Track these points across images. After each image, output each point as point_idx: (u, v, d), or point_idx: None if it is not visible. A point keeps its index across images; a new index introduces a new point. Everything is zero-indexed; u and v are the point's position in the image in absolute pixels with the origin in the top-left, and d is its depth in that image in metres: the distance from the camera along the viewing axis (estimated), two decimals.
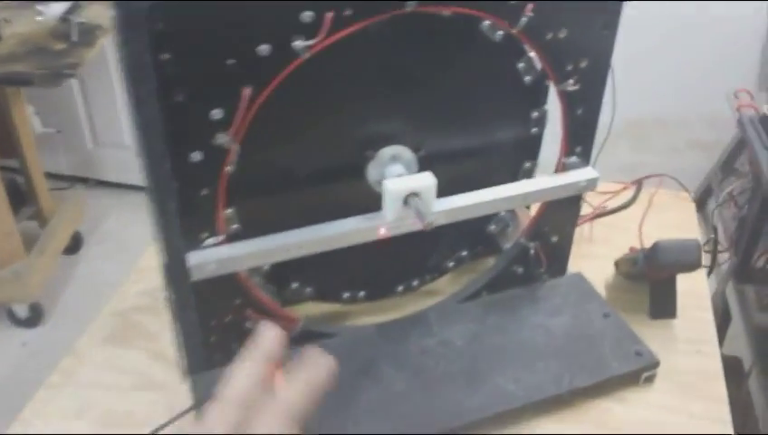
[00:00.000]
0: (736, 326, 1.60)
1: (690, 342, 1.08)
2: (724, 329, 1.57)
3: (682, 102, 2.62)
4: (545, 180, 0.98)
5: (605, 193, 1.34)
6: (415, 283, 1.09)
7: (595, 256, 1.23)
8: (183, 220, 0.79)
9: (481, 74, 0.93)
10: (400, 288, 1.09)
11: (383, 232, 0.91)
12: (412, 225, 0.90)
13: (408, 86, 0.89)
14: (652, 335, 1.08)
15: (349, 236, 0.89)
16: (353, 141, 0.90)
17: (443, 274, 1.11)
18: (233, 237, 0.87)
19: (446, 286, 1.13)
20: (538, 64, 0.92)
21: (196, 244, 0.83)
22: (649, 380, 1.00)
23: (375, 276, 1.05)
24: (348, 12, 0.74)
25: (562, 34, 0.86)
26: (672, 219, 1.33)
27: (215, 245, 0.85)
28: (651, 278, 1.09)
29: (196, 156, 0.77)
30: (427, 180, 0.88)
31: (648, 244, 1.23)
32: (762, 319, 1.46)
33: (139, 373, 1.01)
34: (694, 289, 1.14)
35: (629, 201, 1.37)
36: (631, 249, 1.18)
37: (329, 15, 0.73)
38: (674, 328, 1.11)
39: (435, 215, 0.90)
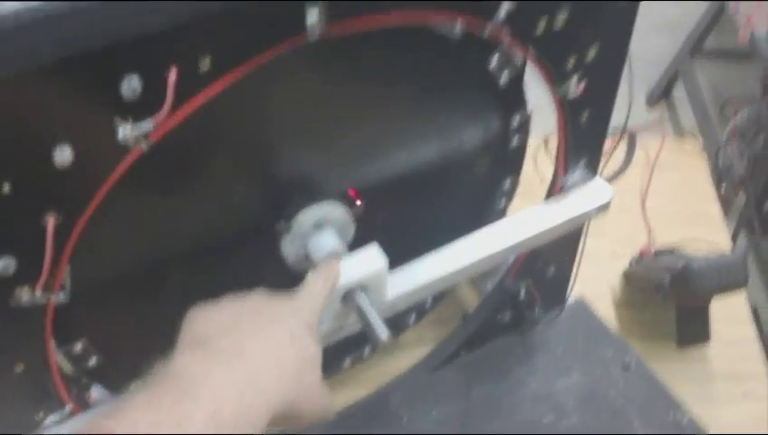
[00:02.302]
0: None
1: (734, 378, 0.83)
2: None
3: None
4: (543, 216, 0.68)
5: None
6: (367, 351, 0.80)
7: (591, 257, 0.94)
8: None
9: (433, 85, 0.60)
10: (347, 362, 0.79)
11: None
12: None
13: (325, 120, 0.57)
14: (683, 374, 0.83)
15: None
16: (252, 215, 0.59)
17: (402, 331, 0.82)
18: (90, 375, 0.58)
19: (410, 333, 0.85)
20: (516, 57, 0.60)
21: (30, 429, 0.53)
22: None
23: None
24: (205, 65, 0.41)
25: (560, 19, 0.54)
26: (681, 184, 1.05)
27: (60, 421, 0.54)
28: (679, 303, 0.82)
29: None
30: (374, 263, 0.57)
31: (658, 227, 0.96)
32: None
33: None
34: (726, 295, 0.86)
35: (623, 165, 1.08)
36: (642, 252, 0.90)
37: (172, 78, 0.40)
38: (709, 358, 0.85)
39: (392, 306, 0.61)
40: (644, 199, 1.02)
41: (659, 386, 0.77)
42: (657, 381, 0.77)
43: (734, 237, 1.25)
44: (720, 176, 1.29)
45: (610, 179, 1.04)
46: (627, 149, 1.10)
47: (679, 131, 2.14)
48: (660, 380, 0.77)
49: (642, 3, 2.03)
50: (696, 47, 2.04)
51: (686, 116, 2.11)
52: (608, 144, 1.09)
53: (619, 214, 1.00)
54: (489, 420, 0.74)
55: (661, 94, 2.28)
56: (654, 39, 2.33)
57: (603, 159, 1.05)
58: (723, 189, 1.27)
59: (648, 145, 1.10)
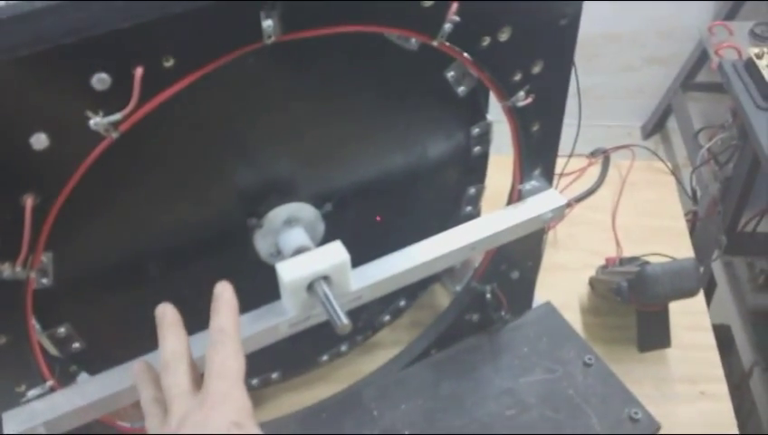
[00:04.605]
0: (722, 293, 1.41)
1: (691, 380, 0.87)
2: (709, 298, 1.38)
3: (635, 15, 2.32)
4: (499, 219, 0.73)
5: (565, 175, 1.10)
6: (343, 348, 0.86)
7: (562, 268, 1.00)
8: None
9: (396, 92, 0.67)
10: (325, 357, 0.85)
11: (285, 331, 0.66)
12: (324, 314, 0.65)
13: (294, 124, 0.63)
14: (643, 375, 0.88)
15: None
16: (225, 210, 0.65)
17: (378, 330, 0.88)
18: (73, 359, 0.63)
19: (387, 335, 0.90)
20: (474, 70, 0.66)
21: (12, 401, 0.59)
22: None
23: (290, 351, 0.80)
24: (169, 63, 0.47)
25: (503, 36, 0.61)
26: (650, 201, 1.11)
27: (41, 395, 0.60)
28: (639, 307, 0.87)
29: None
30: (336, 256, 0.63)
31: (627, 241, 1.02)
32: (759, 303, 1.26)
33: None
34: (688, 305, 0.91)
35: (597, 183, 1.14)
36: (608, 261, 0.96)
37: (138, 74, 0.46)
38: (669, 361, 0.90)
39: (354, 298, 0.66)
40: (614, 215, 1.07)
41: (617, 383, 0.81)
42: (615, 379, 0.82)
43: (706, 256, 1.30)
44: (695, 197, 1.34)
45: (585, 196, 1.11)
46: (601, 168, 1.16)
47: (673, 161, 2.20)
48: (618, 378, 0.82)
49: (639, 39, 2.10)
50: (686, 81, 2.10)
51: (680, 146, 2.17)
52: (583, 163, 1.15)
53: (592, 228, 1.07)
54: (454, 414, 0.79)
55: (655, 127, 2.34)
56: (650, 73, 2.40)
57: (577, 177, 1.12)
58: (699, 211, 1.32)
59: (621, 165, 1.16)
